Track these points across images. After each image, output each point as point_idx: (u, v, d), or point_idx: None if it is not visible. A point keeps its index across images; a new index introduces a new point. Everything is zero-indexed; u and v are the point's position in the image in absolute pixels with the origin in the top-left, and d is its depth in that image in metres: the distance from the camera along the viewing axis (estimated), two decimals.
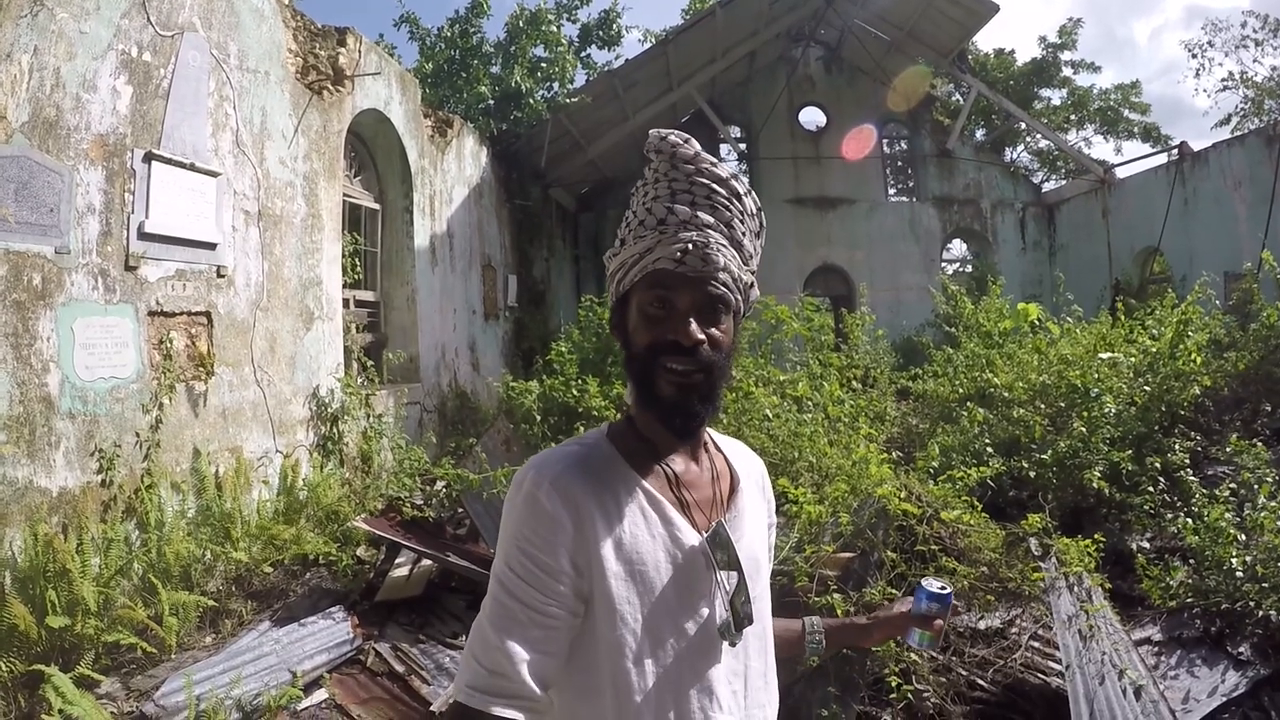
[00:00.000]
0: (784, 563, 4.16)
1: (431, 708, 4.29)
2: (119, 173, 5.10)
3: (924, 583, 1.72)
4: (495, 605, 1.26)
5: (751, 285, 1.42)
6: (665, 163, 1.37)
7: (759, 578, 1.48)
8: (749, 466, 1.59)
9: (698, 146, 1.37)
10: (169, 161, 5.46)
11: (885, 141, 20.75)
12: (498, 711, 1.20)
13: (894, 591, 3.89)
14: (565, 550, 1.26)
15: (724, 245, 1.34)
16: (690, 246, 1.30)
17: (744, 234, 1.40)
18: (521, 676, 1.21)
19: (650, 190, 1.39)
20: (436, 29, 15.71)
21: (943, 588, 1.70)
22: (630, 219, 1.40)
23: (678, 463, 1.42)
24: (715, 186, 1.36)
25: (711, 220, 1.34)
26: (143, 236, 5.24)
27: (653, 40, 18.81)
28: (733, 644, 1.37)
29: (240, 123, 6.26)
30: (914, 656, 3.76)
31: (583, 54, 16.48)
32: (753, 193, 1.43)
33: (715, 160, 1.38)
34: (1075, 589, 4.17)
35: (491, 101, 14.17)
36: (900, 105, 19.10)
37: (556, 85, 15.10)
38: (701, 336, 1.31)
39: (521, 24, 15.13)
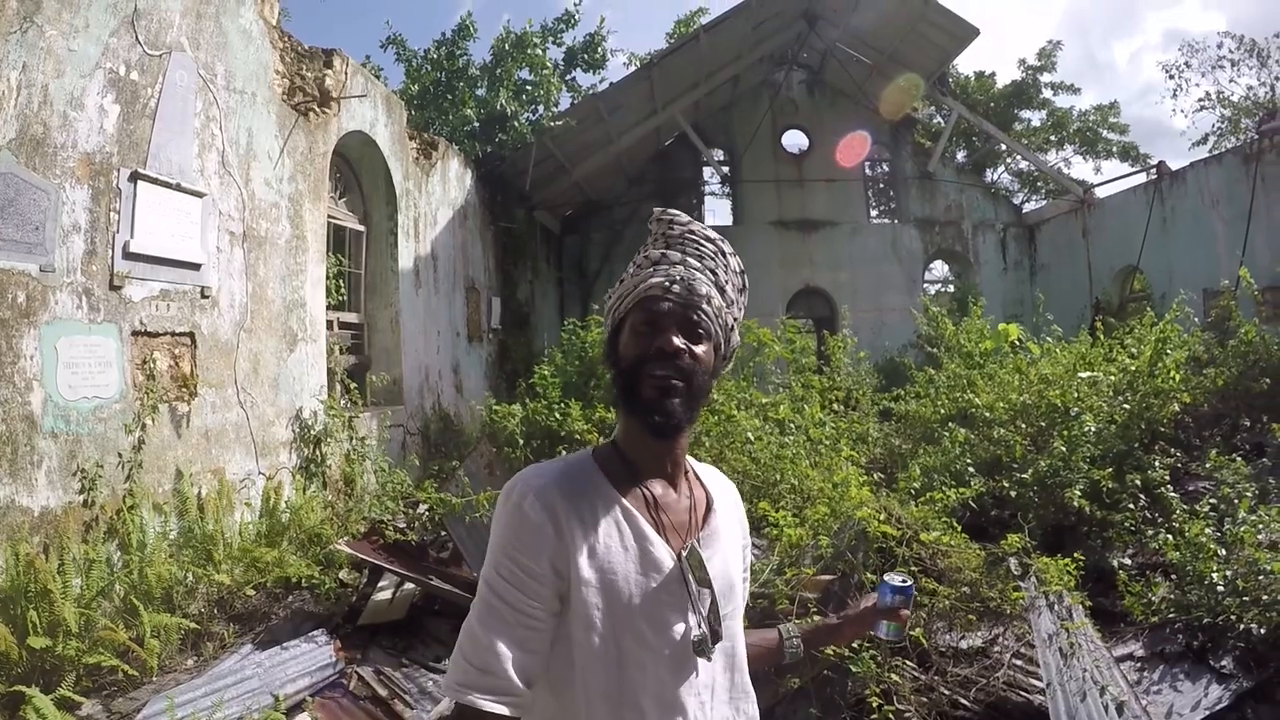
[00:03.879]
0: (764, 585, 4.18)
1: None
2: (105, 191, 5.09)
3: (886, 578, 1.86)
4: (484, 607, 1.39)
5: (733, 329, 1.60)
6: (664, 226, 1.61)
7: (732, 597, 1.58)
8: (724, 492, 1.72)
9: (690, 218, 1.62)
10: (155, 181, 5.46)
11: (867, 164, 20.89)
12: (486, 706, 1.33)
13: None
14: (547, 556, 1.39)
15: (707, 283, 1.54)
16: (678, 278, 1.51)
17: (726, 281, 1.59)
18: (508, 673, 1.34)
19: (649, 246, 1.61)
20: (423, 51, 15.80)
21: (904, 581, 1.85)
22: (631, 267, 1.60)
23: (656, 487, 1.55)
24: (703, 242, 1.58)
25: (698, 265, 1.55)
26: (127, 256, 5.23)
27: (637, 64, 19.01)
28: (708, 658, 1.47)
29: (226, 143, 6.27)
30: (895, 677, 3.78)
31: (568, 77, 16.63)
32: (737, 255, 1.65)
33: (705, 225, 1.63)
34: (1055, 607, 4.21)
35: (477, 124, 14.22)
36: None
37: (541, 108, 15.15)
38: (682, 346, 1.48)
39: (507, 47, 15.22)
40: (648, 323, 1.50)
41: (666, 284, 1.49)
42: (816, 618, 3.79)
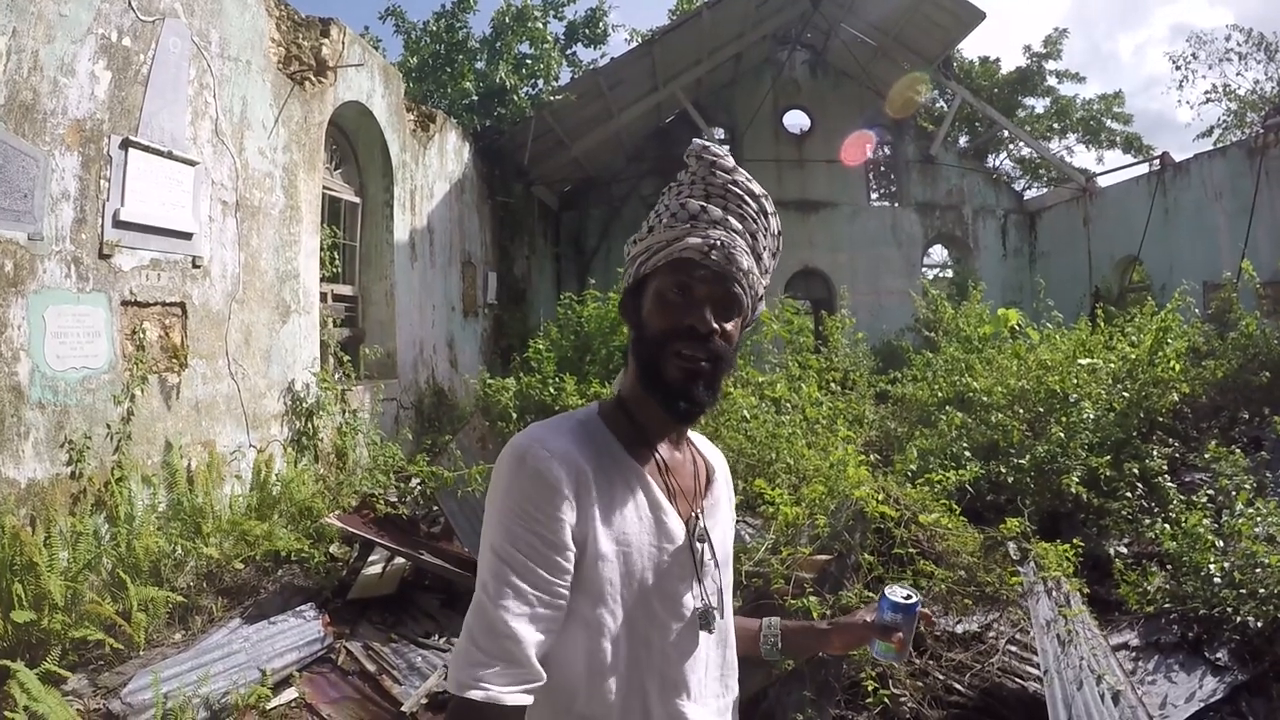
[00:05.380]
0: (760, 564, 4.14)
1: (403, 708, 4.25)
2: (95, 159, 5.01)
3: (887, 591, 1.66)
4: (501, 587, 1.23)
5: (760, 299, 1.48)
6: (705, 169, 1.44)
7: (726, 571, 1.52)
8: (719, 464, 1.64)
9: (734, 164, 1.45)
10: (146, 149, 5.37)
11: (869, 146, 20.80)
12: (510, 700, 1.19)
13: (871, 595, 3.87)
14: (568, 524, 1.27)
15: (746, 251, 1.40)
16: (719, 243, 1.37)
17: (764, 249, 1.46)
18: (533, 662, 1.21)
19: (685, 190, 1.44)
20: (422, 23, 15.60)
21: (907, 596, 1.64)
22: (661, 211, 1.45)
23: (664, 450, 1.46)
24: (747, 199, 1.43)
25: (739, 227, 1.41)
26: (117, 224, 5.15)
27: (639, 40, 18.74)
28: (711, 631, 1.41)
29: (220, 111, 6.17)
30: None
31: (568, 52, 16.42)
32: (777, 214, 1.50)
33: (749, 176, 1.46)
34: (1053, 593, 4.18)
35: (475, 97, 14.07)
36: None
37: (541, 82, 14.97)
38: (716, 327, 1.37)
39: (508, 20, 15.04)
40: (679, 290, 1.38)
41: (705, 248, 1.36)
42: (812, 604, 3.77)
